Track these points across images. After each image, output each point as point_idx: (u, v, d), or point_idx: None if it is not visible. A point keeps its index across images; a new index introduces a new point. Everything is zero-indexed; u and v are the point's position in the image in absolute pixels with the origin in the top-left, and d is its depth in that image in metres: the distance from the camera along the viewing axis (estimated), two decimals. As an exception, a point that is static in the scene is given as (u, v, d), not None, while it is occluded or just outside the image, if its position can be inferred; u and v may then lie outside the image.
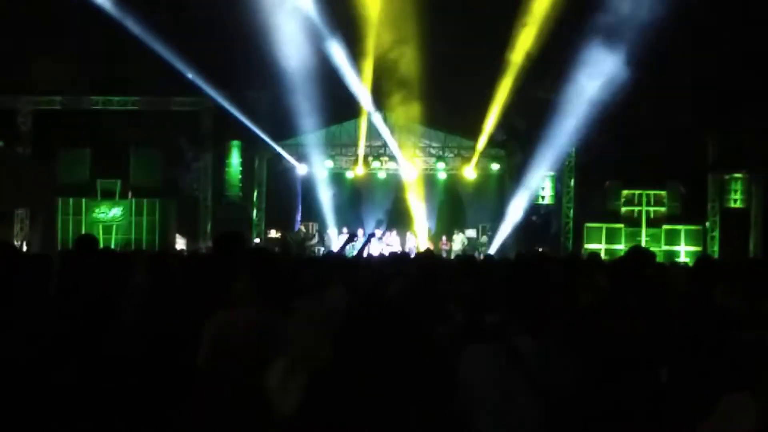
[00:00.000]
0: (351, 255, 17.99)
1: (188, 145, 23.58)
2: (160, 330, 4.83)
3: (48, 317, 4.40)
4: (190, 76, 21.36)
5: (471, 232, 25.18)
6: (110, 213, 23.24)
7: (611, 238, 22.83)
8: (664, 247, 22.50)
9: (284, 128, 23.27)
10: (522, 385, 3.01)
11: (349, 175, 25.67)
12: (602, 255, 19.53)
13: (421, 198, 26.35)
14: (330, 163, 24.78)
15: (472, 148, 24.69)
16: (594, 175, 23.12)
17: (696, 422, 2.40)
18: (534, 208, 23.74)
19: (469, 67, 20.51)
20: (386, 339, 3.40)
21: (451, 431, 3.22)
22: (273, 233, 24.95)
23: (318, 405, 3.34)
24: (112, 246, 20.38)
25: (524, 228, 23.51)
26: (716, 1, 18.29)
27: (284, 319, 4.22)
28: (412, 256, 12.24)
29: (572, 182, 23.54)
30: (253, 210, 24.65)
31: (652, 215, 23.27)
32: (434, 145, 25.48)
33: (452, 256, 20.89)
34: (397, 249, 21.94)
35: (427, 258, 7.19)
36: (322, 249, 23.22)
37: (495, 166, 24.74)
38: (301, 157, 24.99)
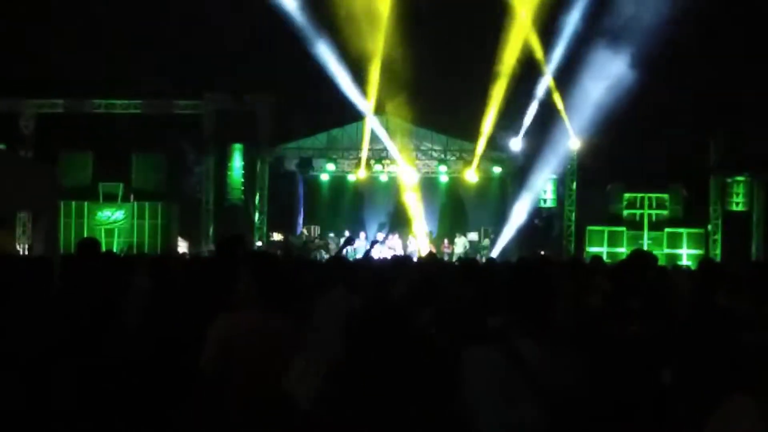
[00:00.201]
0: (352, 258, 17.99)
1: (190, 149, 23.60)
2: (162, 333, 4.83)
3: (50, 320, 4.40)
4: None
5: (473, 235, 25.18)
6: (112, 216, 23.26)
7: (613, 241, 22.82)
8: (666, 250, 22.48)
9: (286, 131, 23.31)
10: (524, 389, 3.01)
11: (351, 178, 25.69)
12: (604, 258, 19.53)
13: (423, 201, 26.39)
14: (332, 167, 24.79)
15: (474, 151, 24.71)
16: (596, 178, 23.12)
17: (698, 424, 2.39)
18: (536, 211, 23.73)
19: (471, 69, 20.54)
20: (390, 341, 3.42)
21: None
22: (276, 236, 24.96)
23: (329, 402, 3.37)
24: (114, 249, 20.39)
25: (526, 231, 23.50)
26: (719, 4, 18.29)
27: (286, 321, 4.23)
28: (414, 259, 12.25)
29: (574, 185, 23.54)
30: (255, 213, 24.66)
31: (654, 218, 23.26)
32: (436, 148, 25.50)
33: (454, 259, 20.89)
34: (400, 252, 21.93)
35: (429, 261, 7.19)
36: (324, 253, 23.20)
37: (497, 169, 24.74)
38: (303, 161, 25.02)
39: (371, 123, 23.75)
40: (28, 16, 19.74)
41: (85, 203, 23.19)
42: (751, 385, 2.25)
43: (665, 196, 23.27)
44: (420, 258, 11.48)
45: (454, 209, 26.70)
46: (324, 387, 3.64)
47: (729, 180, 22.84)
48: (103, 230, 22.70)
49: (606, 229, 23.08)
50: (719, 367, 3.65)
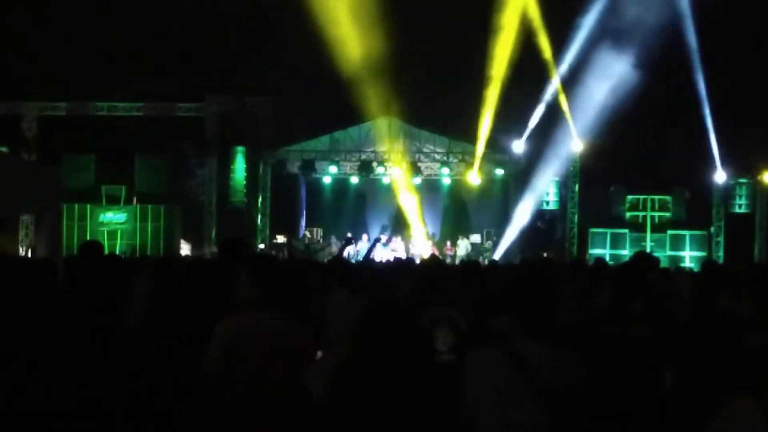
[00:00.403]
0: (353, 259, 17.99)
1: (193, 151, 23.61)
2: (164, 335, 4.84)
3: (52, 322, 4.41)
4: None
5: (475, 238, 25.15)
6: (115, 219, 23.27)
7: (616, 243, 22.79)
8: (669, 252, 22.46)
9: (288, 134, 23.33)
10: (526, 390, 3.01)
11: (354, 180, 25.70)
12: (607, 260, 19.51)
13: (425, 203, 26.39)
14: (334, 169, 24.81)
15: (476, 154, 24.72)
16: (599, 180, 23.11)
17: (700, 426, 2.39)
18: (539, 214, 23.71)
19: (474, 71, 20.55)
20: (394, 342, 3.44)
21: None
22: (280, 239, 24.97)
23: (335, 401, 3.39)
24: (117, 252, 20.41)
25: (529, 233, 23.48)
26: (723, 6, 18.29)
27: (289, 322, 4.24)
28: (417, 261, 12.24)
29: (577, 187, 23.52)
30: (257, 215, 24.66)
31: (656, 220, 23.24)
32: (439, 150, 25.50)
33: (457, 262, 20.89)
34: (402, 255, 21.92)
35: (431, 263, 7.20)
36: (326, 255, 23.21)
37: (499, 172, 24.73)
38: (306, 163, 25.04)
39: (374, 125, 23.77)
40: (30, 18, 19.77)
41: (88, 206, 23.19)
42: (753, 387, 2.25)
43: (668, 198, 23.25)
44: (422, 260, 11.47)
45: (456, 211, 26.69)
46: (330, 387, 3.65)
47: (732, 182, 22.82)
48: (105, 233, 22.70)
49: (609, 231, 23.06)
50: (721, 370, 3.65)
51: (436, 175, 25.46)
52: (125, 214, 23.32)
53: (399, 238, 24.15)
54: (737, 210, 22.90)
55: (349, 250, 23.30)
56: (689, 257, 22.59)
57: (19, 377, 4.04)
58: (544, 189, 23.21)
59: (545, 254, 21.73)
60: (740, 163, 22.28)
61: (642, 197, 23.32)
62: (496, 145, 24.19)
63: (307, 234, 25.61)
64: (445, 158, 25.10)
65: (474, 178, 24.60)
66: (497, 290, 5.72)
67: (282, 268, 4.59)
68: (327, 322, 5.56)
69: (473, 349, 3.30)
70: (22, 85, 22.40)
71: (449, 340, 4.94)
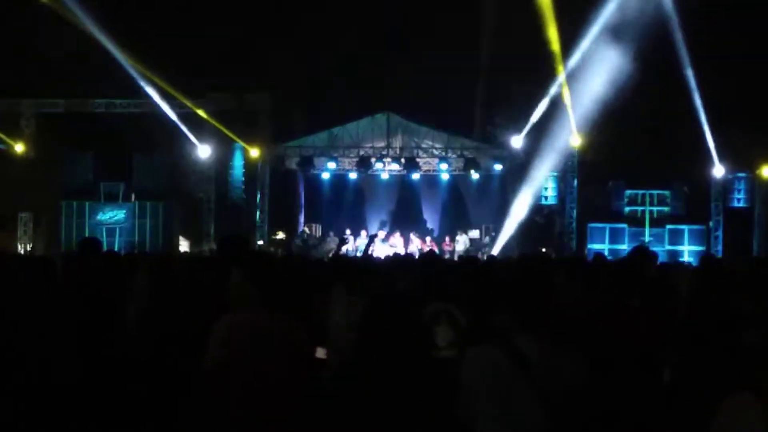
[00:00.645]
0: (353, 254, 17.98)
1: (191, 148, 23.58)
2: (163, 332, 4.84)
3: (52, 319, 4.41)
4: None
5: (474, 233, 25.15)
6: (114, 216, 23.26)
7: (615, 238, 22.79)
8: (668, 247, 22.46)
9: (287, 130, 23.32)
10: (525, 387, 3.01)
11: (353, 176, 25.69)
12: (605, 255, 19.51)
13: (424, 199, 26.43)
14: (333, 165, 24.80)
15: (475, 149, 24.73)
16: (597, 175, 23.10)
17: (700, 422, 2.39)
18: (537, 209, 23.70)
19: (472, 68, 20.55)
20: (395, 338, 3.45)
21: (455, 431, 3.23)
22: (280, 235, 24.98)
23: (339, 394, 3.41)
24: (116, 249, 20.40)
25: (527, 228, 23.48)
26: (720, 1, 18.29)
27: (286, 320, 4.24)
28: (416, 257, 12.24)
29: (575, 182, 23.51)
30: (256, 212, 24.64)
31: (655, 215, 23.24)
32: (437, 146, 25.49)
33: (455, 257, 20.89)
34: (401, 250, 21.93)
35: (429, 259, 7.19)
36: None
37: (498, 167, 24.72)
38: (304, 159, 25.04)
39: (372, 121, 23.77)
40: (28, 16, 19.73)
41: (86, 203, 23.18)
42: (753, 383, 2.25)
43: (666, 192, 23.25)
44: (420, 256, 11.48)
45: (455, 207, 26.68)
46: (332, 383, 3.66)
47: (730, 177, 22.82)
48: (104, 230, 22.69)
49: (607, 226, 23.06)
50: (720, 365, 3.65)
51: (434, 170, 25.44)
52: (124, 211, 23.31)
53: (398, 234, 24.15)
54: (736, 204, 22.90)
55: (348, 247, 23.34)
56: (688, 252, 22.59)
57: (18, 373, 4.04)
58: (542, 184, 23.21)
59: (544, 249, 21.79)
60: (739, 157, 22.27)
61: (641, 192, 23.31)
62: (494, 140, 24.20)
63: (306, 230, 25.61)
64: (443, 154, 25.09)
65: (473, 173, 24.65)
66: (496, 286, 5.72)
67: (278, 265, 4.59)
68: (327, 319, 5.56)
69: (472, 345, 3.30)
70: (20, 83, 22.36)
71: (448, 335, 4.94)
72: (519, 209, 23.22)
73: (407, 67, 20.41)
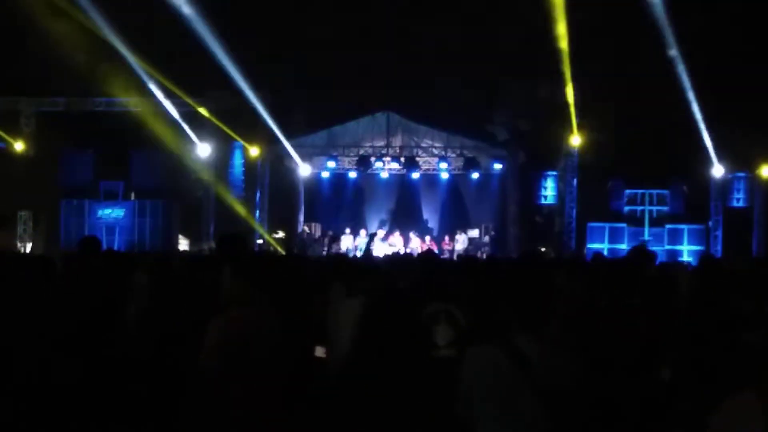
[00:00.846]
0: (352, 254, 17.97)
1: (191, 146, 23.57)
2: (163, 331, 4.84)
3: (52, 318, 4.41)
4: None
5: (474, 232, 25.16)
6: (113, 214, 23.27)
7: (614, 237, 22.80)
8: (667, 247, 22.47)
9: (287, 129, 23.30)
10: (525, 386, 3.01)
11: (352, 175, 25.69)
12: (605, 254, 19.52)
13: (424, 198, 26.43)
14: (332, 164, 24.79)
15: (475, 148, 24.74)
16: (597, 175, 23.09)
17: (699, 422, 2.39)
18: (536, 208, 23.72)
19: (471, 65, 20.53)
20: (396, 336, 3.45)
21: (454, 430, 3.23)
22: (280, 234, 25.00)
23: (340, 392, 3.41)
24: (115, 247, 20.40)
25: (527, 228, 23.50)
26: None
27: (280, 318, 4.24)
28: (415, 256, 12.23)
29: (575, 182, 23.51)
30: (255, 211, 24.65)
31: (655, 214, 23.25)
32: (437, 145, 25.51)
33: (455, 257, 20.90)
34: (400, 250, 21.94)
35: (428, 258, 7.20)
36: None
37: (497, 166, 24.73)
38: (304, 158, 25.05)
39: (372, 120, 23.78)
40: (27, 14, 19.71)
41: (86, 201, 23.19)
42: (753, 382, 2.25)
43: (666, 192, 23.26)
44: (419, 255, 11.48)
45: (454, 206, 26.68)
46: (332, 383, 3.67)
47: (730, 176, 22.83)
48: (104, 228, 22.69)
49: (607, 225, 23.07)
50: (718, 365, 3.66)
51: (434, 169, 25.45)
52: (123, 210, 23.31)
53: (397, 233, 24.16)
54: (735, 204, 22.90)
55: (348, 246, 23.35)
56: (687, 251, 22.61)
57: (18, 372, 4.04)
58: (542, 183, 23.24)
59: (543, 249, 21.80)
60: (738, 157, 22.27)
61: (640, 192, 23.32)
62: (494, 139, 24.21)
63: (306, 229, 25.61)
64: (443, 153, 25.11)
65: (472, 172, 24.68)
66: (496, 285, 5.72)
67: (271, 263, 4.60)
68: (326, 318, 5.56)
69: (472, 344, 3.30)
70: (20, 81, 22.34)
71: (448, 335, 4.94)
72: (519, 209, 23.25)
73: (407, 66, 20.38)
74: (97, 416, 4.10)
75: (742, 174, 22.70)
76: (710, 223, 23.29)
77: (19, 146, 23.58)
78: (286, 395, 4.16)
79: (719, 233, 23.24)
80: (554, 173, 23.33)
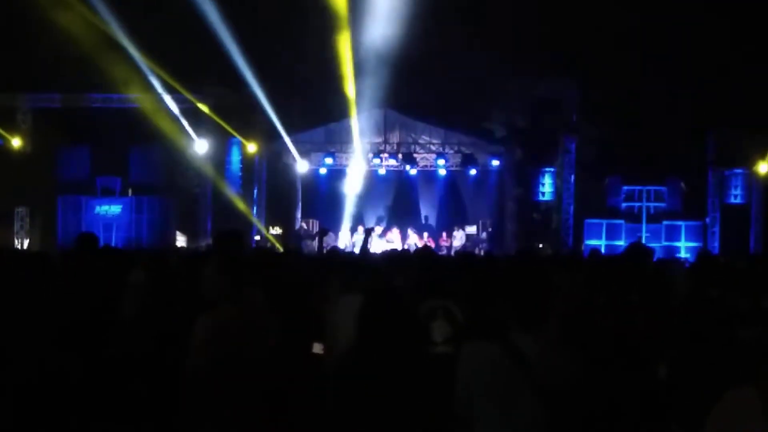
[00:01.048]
0: (349, 250, 17.96)
1: (188, 143, 23.55)
2: (161, 328, 4.83)
3: (48, 314, 4.40)
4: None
5: (471, 229, 25.17)
6: (110, 211, 23.25)
7: (611, 234, 22.83)
8: (665, 243, 22.50)
9: (284, 125, 23.28)
10: (522, 384, 3.01)
11: (350, 171, 25.67)
12: (602, 251, 19.55)
13: (421, 195, 26.42)
14: (330, 160, 24.77)
15: (473, 145, 24.74)
16: (594, 171, 23.11)
17: (696, 419, 2.39)
18: (534, 205, 23.74)
19: (470, 63, 20.50)
20: (394, 331, 3.45)
21: (452, 428, 3.22)
22: (276, 230, 24.99)
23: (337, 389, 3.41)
24: (113, 244, 20.38)
25: (524, 224, 23.51)
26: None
27: (262, 314, 4.24)
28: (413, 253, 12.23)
29: (572, 178, 23.52)
30: (253, 207, 24.64)
31: (652, 211, 23.27)
32: (434, 141, 25.50)
33: (452, 253, 20.90)
34: (398, 246, 21.93)
35: (425, 255, 7.19)
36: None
37: (495, 163, 24.73)
38: (301, 154, 25.03)
39: (370, 116, 23.75)
40: (23, 10, 19.66)
41: (83, 197, 23.17)
42: (752, 379, 2.25)
43: (663, 188, 23.29)
44: (417, 251, 11.48)
45: (452, 202, 26.69)
46: (330, 378, 3.66)
47: (727, 173, 22.85)
48: (101, 225, 22.67)
49: (604, 222, 23.09)
50: (716, 362, 3.65)
51: (432, 166, 25.43)
52: (120, 206, 23.30)
53: (395, 230, 24.16)
54: (733, 201, 22.94)
55: (346, 243, 23.35)
56: (684, 248, 22.64)
57: (16, 370, 4.03)
58: (539, 180, 23.27)
59: (541, 245, 21.82)
60: (736, 153, 22.29)
61: (637, 188, 23.34)
62: (492, 135, 24.20)
63: (303, 225, 25.61)
64: (441, 149, 25.11)
65: (470, 169, 24.67)
66: (493, 282, 5.71)
67: (263, 260, 4.58)
68: (323, 315, 5.55)
69: (469, 341, 3.30)
70: (16, 77, 22.31)
71: (445, 331, 4.94)
72: (516, 205, 23.27)
73: (406, 63, 20.35)
74: (95, 414, 4.09)
75: (739, 170, 22.72)
76: (707, 220, 23.31)
77: (15, 142, 23.55)
78: (281, 392, 4.16)
79: (716, 230, 23.27)
80: (551, 170, 23.35)
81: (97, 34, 19.50)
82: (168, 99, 22.97)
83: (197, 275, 5.42)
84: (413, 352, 3.64)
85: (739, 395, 2.27)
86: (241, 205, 23.92)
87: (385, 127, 24.84)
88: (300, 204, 26.60)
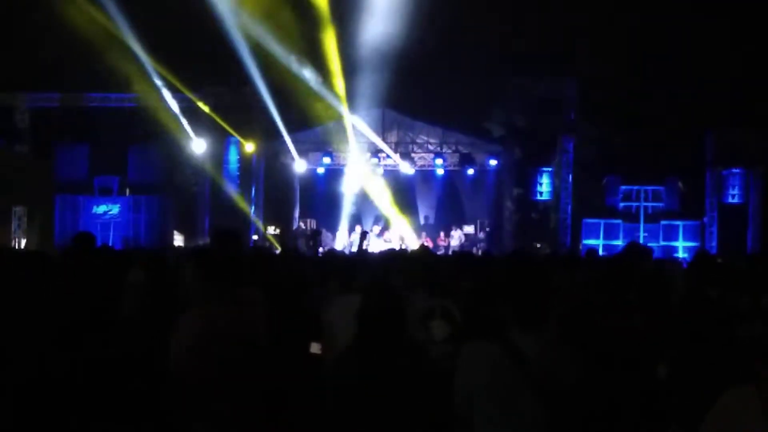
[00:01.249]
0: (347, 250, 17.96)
1: (186, 142, 23.53)
2: (159, 327, 4.82)
3: (46, 314, 4.39)
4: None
5: (469, 228, 25.18)
6: (108, 210, 23.24)
7: (609, 233, 22.84)
8: (662, 243, 22.52)
9: (283, 124, 23.27)
10: (523, 384, 3.01)
11: (348, 171, 25.66)
12: (600, 251, 19.58)
13: (419, 194, 26.42)
14: (328, 160, 24.76)
15: (471, 144, 24.74)
16: (592, 171, 23.12)
17: (697, 419, 2.39)
18: (532, 204, 23.75)
19: (468, 62, 20.52)
20: (393, 330, 3.45)
21: (452, 429, 3.22)
22: (274, 230, 24.99)
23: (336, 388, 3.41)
24: (110, 243, 20.37)
25: (522, 224, 23.52)
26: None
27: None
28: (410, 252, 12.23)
29: (570, 177, 23.53)
30: (251, 207, 24.64)
31: (650, 211, 23.29)
32: (432, 141, 25.49)
33: (450, 252, 20.90)
34: (396, 246, 21.94)
35: (422, 255, 7.19)
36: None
37: (493, 162, 24.73)
38: (299, 154, 25.02)
39: (368, 116, 23.75)
40: (22, 10, 19.66)
41: (81, 197, 23.16)
42: (751, 378, 2.25)
43: (661, 188, 23.31)
44: (413, 251, 11.48)
45: (450, 202, 26.71)
46: (329, 378, 3.66)
47: (725, 173, 22.87)
48: (98, 224, 22.66)
49: (602, 221, 23.10)
50: (716, 361, 3.65)
51: (430, 165, 25.44)
52: (118, 205, 23.29)
53: (393, 229, 24.16)
54: (730, 200, 22.96)
55: (344, 242, 23.36)
56: (682, 247, 22.67)
57: (13, 370, 4.02)
58: (537, 179, 23.29)
59: (538, 245, 21.82)
60: (733, 153, 22.31)
61: (635, 188, 23.36)
62: (489, 135, 24.21)
63: (301, 225, 25.61)
64: (439, 149, 25.11)
65: (468, 168, 24.67)
66: (491, 281, 5.71)
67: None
68: (321, 314, 5.55)
69: (469, 341, 3.30)
70: (15, 76, 22.29)
71: (444, 330, 4.94)
72: (514, 205, 23.27)
73: (403, 62, 20.36)
74: (95, 414, 4.09)
75: (737, 170, 22.74)
76: (705, 220, 23.33)
77: (13, 142, 23.51)
78: (279, 392, 4.15)
79: (714, 229, 23.28)
80: (550, 169, 23.36)
81: (95, 34, 19.49)
82: (166, 98, 22.95)
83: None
84: (412, 351, 3.64)
85: (739, 395, 2.28)
86: (239, 204, 23.92)
87: (383, 127, 24.82)
88: (298, 204, 26.59)
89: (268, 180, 25.34)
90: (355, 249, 20.42)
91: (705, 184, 23.37)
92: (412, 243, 22.73)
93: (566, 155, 23.33)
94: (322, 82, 21.61)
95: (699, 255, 6.61)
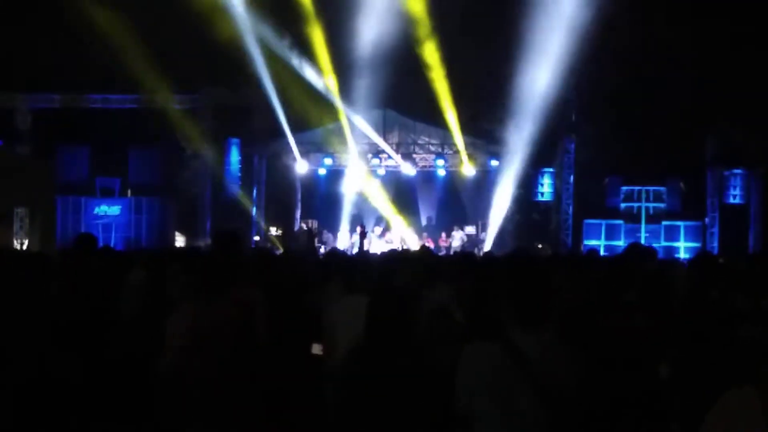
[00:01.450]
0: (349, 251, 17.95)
1: (187, 143, 23.54)
2: (159, 327, 4.82)
3: (48, 315, 4.40)
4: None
5: (470, 229, 25.16)
6: (109, 211, 23.25)
7: (611, 234, 22.84)
8: (664, 243, 22.50)
9: (283, 126, 23.27)
10: (524, 384, 3.00)
11: (349, 172, 25.64)
12: (601, 251, 19.58)
13: (420, 195, 26.40)
14: (329, 161, 24.76)
15: (472, 145, 24.71)
16: (593, 172, 23.11)
17: (697, 419, 2.39)
18: (533, 205, 23.74)
19: (468, 61, 20.51)
20: (401, 330, 3.46)
21: (453, 429, 3.22)
22: (277, 231, 25.00)
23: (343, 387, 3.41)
24: (112, 244, 20.38)
25: (523, 224, 23.51)
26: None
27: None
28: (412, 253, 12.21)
29: (571, 178, 23.52)
30: (252, 208, 24.63)
31: (651, 211, 23.28)
32: (433, 141, 25.47)
33: (451, 253, 20.88)
34: (397, 246, 21.93)
35: (423, 255, 7.19)
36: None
37: (494, 163, 24.70)
38: (301, 155, 25.01)
39: (369, 117, 23.73)
40: (23, 11, 19.68)
41: (82, 198, 23.17)
42: (752, 378, 2.24)
43: (662, 189, 23.31)
44: (414, 252, 11.48)
45: (451, 203, 26.69)
46: (336, 376, 3.67)
47: (726, 173, 22.85)
48: (100, 225, 22.67)
49: (603, 222, 23.10)
50: (717, 361, 3.65)
51: (431, 166, 25.43)
52: (120, 207, 23.30)
53: (394, 230, 24.15)
54: (732, 201, 22.94)
55: (345, 243, 23.35)
56: (684, 248, 22.65)
57: (15, 370, 4.03)
58: (538, 180, 23.28)
59: (539, 246, 21.81)
60: (735, 153, 22.30)
61: (637, 188, 23.36)
62: (491, 136, 24.18)
63: (303, 226, 25.59)
64: (440, 150, 25.09)
65: (469, 169, 24.65)
66: (493, 282, 5.71)
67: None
68: (322, 315, 5.55)
69: (469, 341, 3.29)
70: (16, 78, 22.31)
71: (445, 331, 4.93)
72: (515, 205, 23.27)
73: (406, 63, 20.36)
74: (95, 414, 4.09)
75: (738, 171, 22.72)
76: (707, 220, 23.32)
77: (15, 143, 23.53)
78: (280, 393, 4.15)
79: (716, 230, 23.28)
80: (551, 170, 23.35)
81: (96, 35, 19.49)
82: (167, 99, 22.95)
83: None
84: (414, 351, 3.64)
85: (739, 395, 2.27)
86: (240, 205, 23.92)
87: (384, 127, 24.81)
88: (299, 204, 26.58)
89: (270, 181, 25.34)
90: (356, 250, 20.45)
91: (706, 185, 23.37)
92: (413, 244, 22.71)
93: (567, 156, 23.33)
94: (323, 83, 21.61)
95: (700, 255, 6.60)
